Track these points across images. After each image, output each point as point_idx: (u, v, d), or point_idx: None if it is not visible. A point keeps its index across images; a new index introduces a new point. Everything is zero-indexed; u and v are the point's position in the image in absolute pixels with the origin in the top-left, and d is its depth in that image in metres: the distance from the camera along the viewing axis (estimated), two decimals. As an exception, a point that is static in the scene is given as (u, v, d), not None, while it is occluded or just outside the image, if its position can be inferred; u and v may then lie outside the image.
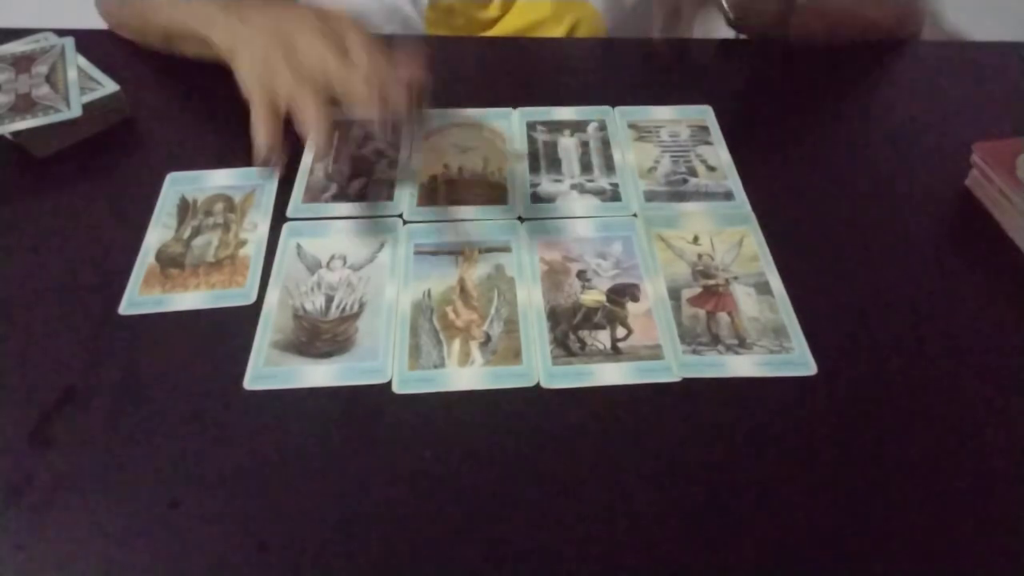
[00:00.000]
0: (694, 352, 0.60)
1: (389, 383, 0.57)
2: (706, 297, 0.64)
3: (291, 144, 0.65)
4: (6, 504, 0.50)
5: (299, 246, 0.67)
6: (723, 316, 0.62)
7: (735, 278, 0.65)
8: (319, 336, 0.61)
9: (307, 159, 0.75)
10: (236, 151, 0.75)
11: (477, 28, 0.98)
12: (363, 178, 0.74)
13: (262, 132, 0.64)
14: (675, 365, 0.59)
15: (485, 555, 0.49)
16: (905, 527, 0.51)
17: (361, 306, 0.63)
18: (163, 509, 0.50)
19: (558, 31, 0.97)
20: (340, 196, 0.72)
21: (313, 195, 0.72)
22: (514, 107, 0.81)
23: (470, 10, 0.97)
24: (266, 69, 0.66)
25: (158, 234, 0.68)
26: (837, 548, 0.50)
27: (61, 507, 0.50)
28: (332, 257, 0.66)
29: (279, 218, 0.69)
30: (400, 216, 0.70)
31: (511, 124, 0.80)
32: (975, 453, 0.55)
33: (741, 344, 0.60)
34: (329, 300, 0.63)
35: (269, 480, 0.52)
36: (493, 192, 0.73)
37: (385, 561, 0.49)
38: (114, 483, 0.52)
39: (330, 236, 0.68)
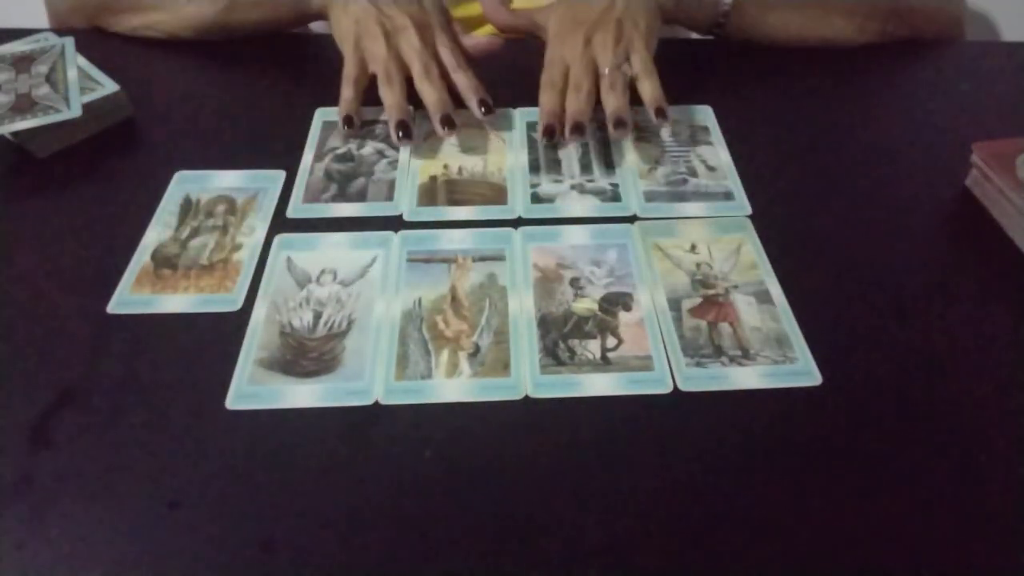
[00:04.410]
0: (697, 364, 0.54)
1: (374, 404, 0.52)
2: (707, 307, 0.58)
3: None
4: (6, 504, 0.47)
5: (289, 259, 0.62)
6: (725, 326, 0.57)
7: (735, 287, 0.60)
8: (305, 354, 0.55)
9: (306, 159, 0.71)
10: (238, 151, 0.72)
11: (475, 23, 0.94)
12: (363, 178, 0.69)
13: (349, 90, 0.72)
14: (679, 378, 0.53)
15: (477, 562, 0.45)
16: (914, 531, 0.47)
17: (349, 324, 0.57)
18: (163, 509, 0.46)
19: None
20: (340, 196, 0.67)
21: (313, 195, 0.67)
22: (514, 107, 0.77)
23: (465, 5, 0.93)
24: (365, 33, 0.74)
25: (157, 233, 0.64)
26: (852, 561, 0.46)
27: (61, 507, 0.47)
28: (322, 271, 0.61)
29: (277, 223, 0.65)
30: (400, 217, 0.65)
31: (511, 124, 0.76)
32: (978, 456, 0.50)
33: (744, 355, 0.55)
34: (317, 317, 0.58)
35: (267, 481, 0.48)
36: (493, 192, 0.68)
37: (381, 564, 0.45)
38: (114, 483, 0.48)
39: (321, 250, 0.63)
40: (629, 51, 0.74)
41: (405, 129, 0.70)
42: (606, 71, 0.72)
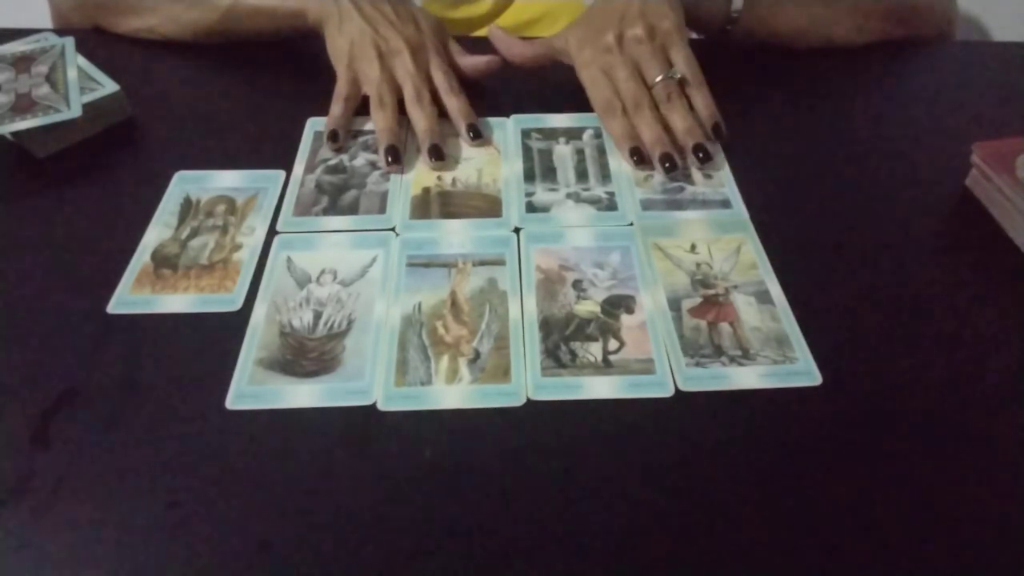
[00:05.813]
0: (697, 364, 0.54)
1: (374, 404, 0.52)
2: (707, 307, 0.58)
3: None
4: (6, 504, 0.47)
5: (289, 259, 0.62)
6: (725, 327, 0.57)
7: (735, 287, 0.60)
8: (305, 354, 0.55)
9: (297, 170, 0.70)
10: (238, 151, 0.73)
11: (475, 24, 0.94)
12: (354, 190, 0.68)
13: (338, 107, 0.72)
14: (679, 378, 0.53)
15: (478, 564, 0.45)
16: (915, 531, 0.46)
17: (349, 324, 0.57)
18: (162, 509, 0.46)
19: (553, 30, 0.93)
20: (331, 209, 0.66)
21: (303, 208, 0.66)
22: (508, 115, 0.77)
23: (466, 7, 0.93)
24: (360, 54, 0.74)
25: (157, 233, 0.64)
26: (853, 561, 0.45)
27: (61, 507, 0.47)
28: (322, 272, 0.61)
29: (275, 227, 0.65)
30: (393, 230, 0.65)
31: (506, 132, 0.75)
32: (979, 455, 0.50)
33: (744, 355, 0.55)
34: (317, 316, 0.57)
35: (267, 482, 0.48)
36: (488, 204, 0.67)
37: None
38: (114, 483, 0.48)
39: (321, 250, 0.63)
40: (667, 46, 0.73)
41: (394, 155, 0.69)
42: (657, 80, 0.71)
